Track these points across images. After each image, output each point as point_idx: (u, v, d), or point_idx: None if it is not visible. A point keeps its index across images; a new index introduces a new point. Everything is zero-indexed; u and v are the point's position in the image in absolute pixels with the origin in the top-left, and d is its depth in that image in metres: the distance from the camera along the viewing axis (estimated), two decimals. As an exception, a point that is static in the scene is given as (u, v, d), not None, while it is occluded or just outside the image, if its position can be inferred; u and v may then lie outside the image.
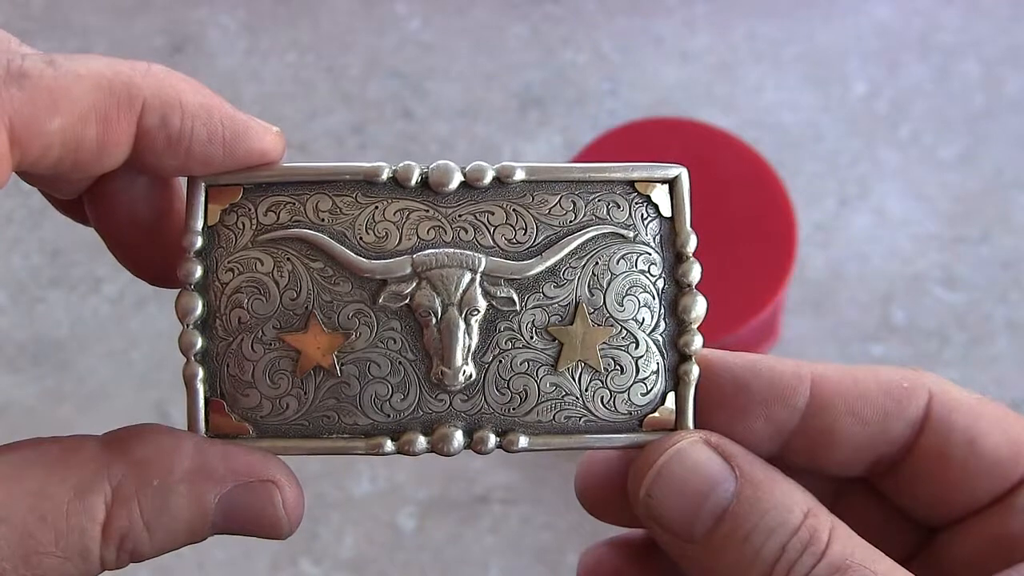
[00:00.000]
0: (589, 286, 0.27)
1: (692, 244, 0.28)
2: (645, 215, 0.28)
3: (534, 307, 0.27)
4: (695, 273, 0.28)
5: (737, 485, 0.26)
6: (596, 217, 0.28)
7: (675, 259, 0.28)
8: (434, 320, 0.27)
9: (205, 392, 0.27)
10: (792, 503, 0.25)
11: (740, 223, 0.59)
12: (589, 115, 0.75)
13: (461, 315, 0.27)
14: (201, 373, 0.27)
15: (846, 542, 0.25)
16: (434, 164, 0.28)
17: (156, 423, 0.26)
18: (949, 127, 0.74)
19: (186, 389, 0.27)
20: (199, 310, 0.27)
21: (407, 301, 0.27)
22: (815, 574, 0.24)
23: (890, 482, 0.29)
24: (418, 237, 0.27)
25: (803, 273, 0.68)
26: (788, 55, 0.78)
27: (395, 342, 0.27)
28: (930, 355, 0.66)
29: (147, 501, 0.25)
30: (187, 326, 0.27)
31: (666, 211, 0.28)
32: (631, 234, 0.28)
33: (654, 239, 0.28)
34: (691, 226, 0.28)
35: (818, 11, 0.79)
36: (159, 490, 0.25)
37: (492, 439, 0.27)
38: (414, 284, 0.27)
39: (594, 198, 0.28)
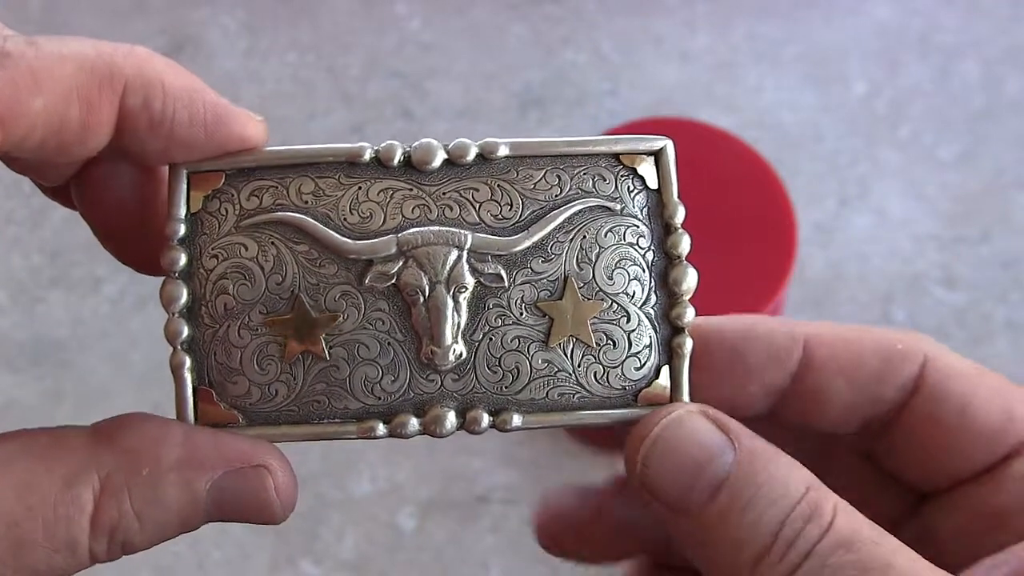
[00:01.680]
0: (578, 260, 0.27)
1: (680, 215, 0.27)
2: (632, 187, 0.27)
3: (523, 283, 0.27)
4: (684, 244, 0.27)
5: (736, 456, 0.25)
6: (582, 191, 0.27)
7: (664, 231, 0.27)
8: (422, 299, 0.26)
9: (193, 381, 0.27)
10: (792, 477, 0.25)
11: (740, 223, 0.59)
12: (589, 115, 0.75)
13: (449, 293, 0.26)
14: (188, 362, 0.27)
15: (852, 517, 0.24)
16: (416, 143, 0.27)
17: (144, 412, 0.26)
18: (949, 127, 0.74)
19: (173, 378, 0.27)
20: (184, 298, 0.27)
21: (394, 281, 0.26)
22: (819, 549, 0.24)
23: (882, 444, 0.29)
24: (403, 216, 0.27)
25: (803, 273, 0.68)
26: (788, 55, 0.77)
27: (383, 323, 0.26)
28: (930, 355, 0.66)
29: (137, 491, 0.24)
30: (172, 314, 0.27)
31: (652, 183, 0.27)
32: (618, 207, 0.27)
33: (641, 211, 0.27)
34: (678, 197, 0.27)
35: (818, 11, 0.79)
36: (149, 480, 0.24)
37: (485, 418, 0.27)
38: (400, 263, 0.26)
39: (579, 172, 0.27)
